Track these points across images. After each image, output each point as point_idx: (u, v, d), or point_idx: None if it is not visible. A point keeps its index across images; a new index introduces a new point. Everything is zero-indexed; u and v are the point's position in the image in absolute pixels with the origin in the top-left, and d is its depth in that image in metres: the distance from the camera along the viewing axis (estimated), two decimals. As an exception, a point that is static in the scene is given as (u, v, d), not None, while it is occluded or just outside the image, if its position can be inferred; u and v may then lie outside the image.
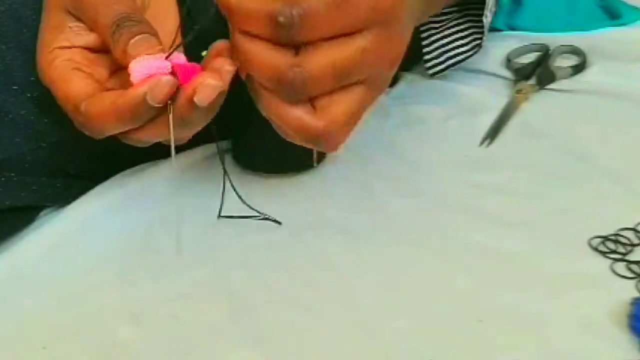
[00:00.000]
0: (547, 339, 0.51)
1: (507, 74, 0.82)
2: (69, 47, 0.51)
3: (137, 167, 0.68)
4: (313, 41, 0.44)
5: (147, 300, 0.56)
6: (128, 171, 0.67)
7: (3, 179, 0.60)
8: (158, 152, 0.69)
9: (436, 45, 0.77)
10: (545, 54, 0.84)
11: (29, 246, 0.60)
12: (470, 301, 0.54)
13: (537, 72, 0.81)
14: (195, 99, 0.46)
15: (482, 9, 0.73)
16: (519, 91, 0.78)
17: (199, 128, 0.50)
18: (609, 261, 0.57)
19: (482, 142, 0.72)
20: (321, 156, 0.69)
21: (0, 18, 0.61)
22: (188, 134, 0.51)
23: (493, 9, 0.76)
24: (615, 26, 0.88)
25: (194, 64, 0.47)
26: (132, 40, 0.47)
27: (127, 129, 0.48)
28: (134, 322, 0.54)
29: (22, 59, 0.60)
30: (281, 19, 0.43)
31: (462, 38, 0.77)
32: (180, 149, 0.69)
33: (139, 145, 0.51)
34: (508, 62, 0.83)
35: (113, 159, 0.66)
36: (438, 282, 0.56)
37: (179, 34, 0.51)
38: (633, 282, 0.55)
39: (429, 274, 0.57)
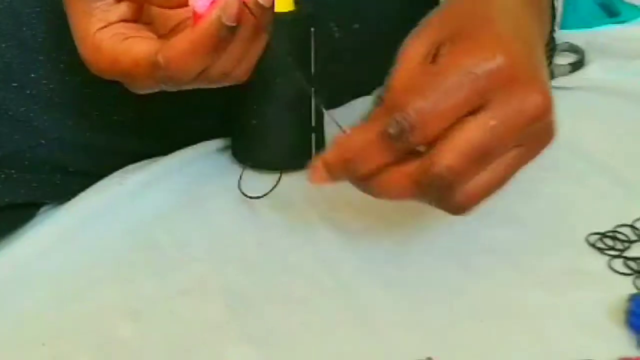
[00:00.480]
0: (544, 335, 0.51)
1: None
2: (107, 26, 0.50)
3: (137, 164, 0.68)
4: (434, 137, 0.43)
5: (146, 297, 0.56)
6: (127, 168, 0.67)
7: (2, 175, 0.60)
8: (157, 150, 0.69)
9: None
10: (544, 51, 0.84)
11: (29, 243, 0.60)
12: (467, 298, 0.54)
13: (535, 70, 0.81)
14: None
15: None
16: (517, 88, 0.78)
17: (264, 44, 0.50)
18: (607, 258, 0.57)
19: (480, 140, 0.72)
20: (320, 154, 0.69)
21: (-1, 15, 0.61)
22: (260, 49, 0.50)
23: None
24: (614, 24, 0.88)
25: None
26: None
27: (210, 62, 0.47)
28: (134, 319, 0.54)
29: (21, 56, 0.60)
30: (391, 130, 0.42)
31: None
32: (180, 146, 0.70)
33: (215, 84, 0.50)
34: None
35: (113, 156, 0.66)
36: (436, 280, 0.56)
37: None
38: (630, 278, 0.55)
39: (427, 272, 0.57)
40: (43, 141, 0.62)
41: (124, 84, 0.51)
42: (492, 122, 0.43)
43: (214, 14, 0.45)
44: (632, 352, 0.49)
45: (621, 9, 0.90)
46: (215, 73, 0.49)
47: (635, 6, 0.90)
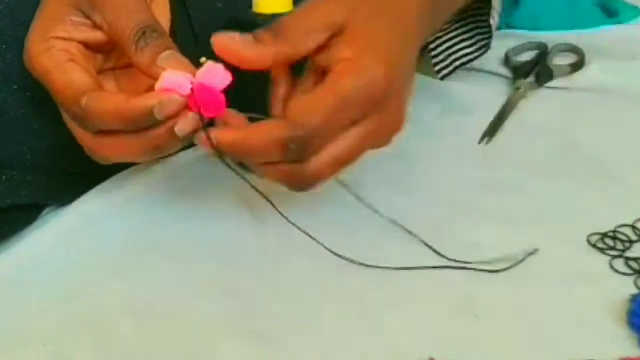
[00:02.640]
0: (545, 335, 0.51)
1: (506, 72, 0.82)
2: (65, 39, 0.51)
3: (138, 166, 0.68)
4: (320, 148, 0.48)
5: (147, 297, 0.56)
6: (129, 170, 0.67)
7: (4, 177, 0.60)
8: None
9: (442, 47, 0.77)
10: (544, 52, 0.84)
11: (30, 245, 0.60)
12: (468, 298, 0.54)
13: (535, 70, 0.81)
14: (176, 129, 0.48)
15: (486, 9, 0.73)
16: (517, 89, 0.79)
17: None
18: (608, 258, 0.57)
19: (480, 140, 0.73)
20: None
21: (-2, 18, 0.61)
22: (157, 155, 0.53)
23: (499, 10, 0.76)
24: (613, 24, 0.88)
25: (218, 92, 0.49)
26: (163, 55, 0.48)
27: (123, 129, 0.49)
28: (135, 319, 0.54)
29: (21, 58, 0.60)
30: (292, 145, 0.47)
31: (467, 39, 0.77)
32: (180, 148, 0.69)
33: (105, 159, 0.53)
34: (506, 60, 0.83)
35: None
36: (436, 279, 0.56)
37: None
38: (632, 278, 0.55)
39: (427, 271, 0.57)
40: (44, 143, 0.62)
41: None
42: (360, 137, 0.50)
43: (151, 103, 0.47)
44: (634, 352, 0.49)
45: (620, 10, 0.90)
46: (100, 150, 0.52)
47: (635, 6, 0.90)
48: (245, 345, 0.52)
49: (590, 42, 0.84)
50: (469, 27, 0.78)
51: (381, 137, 0.52)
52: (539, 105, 0.77)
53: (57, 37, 0.51)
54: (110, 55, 0.54)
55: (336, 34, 0.49)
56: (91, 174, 0.66)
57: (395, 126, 0.52)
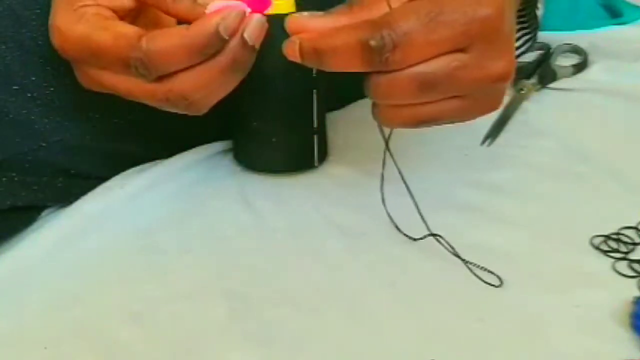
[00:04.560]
0: (548, 338, 0.51)
1: (509, 72, 0.82)
2: (93, 5, 0.50)
3: (138, 167, 0.68)
4: (410, 65, 0.44)
5: (148, 300, 0.56)
6: (129, 171, 0.67)
7: (4, 178, 0.60)
8: (159, 153, 0.69)
9: None
10: (547, 52, 0.84)
11: (30, 246, 0.60)
12: (470, 300, 0.54)
13: (538, 71, 0.81)
14: (245, 35, 0.47)
15: (530, 4, 0.72)
16: (520, 90, 0.79)
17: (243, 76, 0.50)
18: (611, 260, 0.57)
19: (483, 141, 0.72)
20: (321, 156, 0.69)
21: (-1, 18, 0.61)
22: (227, 89, 0.51)
23: (544, 1, 0.75)
24: (617, 25, 0.88)
25: None
26: None
27: (190, 64, 0.48)
28: (136, 321, 0.54)
29: (22, 59, 0.60)
30: (372, 42, 0.42)
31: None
32: (181, 149, 0.69)
33: (172, 107, 0.51)
34: (509, 61, 0.83)
35: (114, 159, 0.66)
36: (438, 281, 0.56)
37: None
38: (635, 280, 0.55)
39: (429, 273, 0.57)
40: (44, 144, 0.62)
41: (75, 67, 0.52)
42: (455, 64, 0.44)
43: (214, 21, 0.46)
44: (637, 354, 0.48)
45: (624, 10, 0.90)
46: (178, 91, 0.49)
47: (638, 7, 0.90)
48: (246, 349, 0.51)
49: (594, 43, 0.84)
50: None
51: (480, 80, 0.45)
52: (542, 106, 0.77)
53: (86, 5, 0.50)
54: (137, 23, 0.53)
55: None
56: (91, 176, 0.66)
57: (498, 73, 0.45)
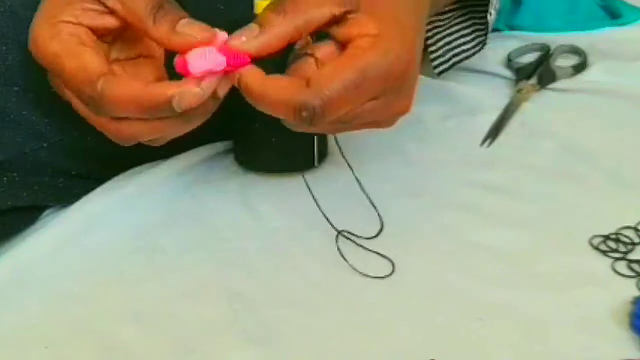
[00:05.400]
0: (547, 338, 0.51)
1: (508, 74, 0.82)
2: (74, 24, 0.50)
3: (139, 168, 0.68)
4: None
5: (148, 300, 0.56)
6: (130, 172, 0.67)
7: (5, 179, 0.60)
8: (160, 154, 0.69)
9: (441, 44, 0.77)
10: (546, 54, 0.84)
11: (32, 246, 0.60)
12: (470, 300, 0.54)
13: (538, 72, 0.81)
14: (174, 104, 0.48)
15: (485, 6, 0.73)
16: (520, 91, 0.79)
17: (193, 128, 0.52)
18: (610, 260, 0.57)
19: (483, 142, 0.73)
20: (322, 156, 0.69)
21: (0, 19, 0.61)
22: (193, 127, 0.52)
23: (497, 7, 0.76)
24: (616, 26, 0.88)
25: (244, 51, 0.48)
26: (183, 21, 0.48)
27: (138, 117, 0.49)
28: (136, 321, 0.54)
29: (22, 60, 0.60)
30: (304, 114, 0.47)
31: (466, 36, 0.77)
32: (182, 149, 0.70)
33: (125, 141, 0.52)
34: (509, 62, 0.83)
35: (115, 160, 0.66)
36: (438, 281, 0.56)
37: None
38: (634, 281, 0.55)
39: (429, 273, 0.57)
40: (45, 145, 0.62)
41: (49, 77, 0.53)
42: (375, 107, 0.50)
43: (170, 93, 0.47)
44: (636, 354, 0.48)
45: (623, 11, 0.90)
46: (128, 133, 0.51)
47: (637, 8, 0.90)
48: (246, 349, 0.51)
49: (593, 44, 0.84)
50: (468, 23, 0.78)
51: (389, 116, 0.53)
52: (542, 107, 0.77)
53: (66, 22, 0.50)
54: (114, 46, 0.53)
55: (353, 9, 0.49)
56: (92, 176, 0.66)
57: (404, 108, 0.52)
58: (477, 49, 0.77)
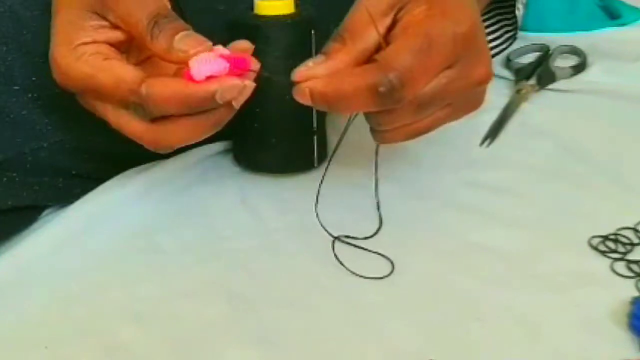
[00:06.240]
0: (546, 338, 0.51)
1: (508, 74, 0.82)
2: (91, 43, 0.52)
3: (139, 168, 0.68)
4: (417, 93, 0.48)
5: (148, 300, 0.56)
6: (130, 171, 0.67)
7: (5, 179, 0.60)
8: (159, 154, 0.69)
9: None
10: (546, 54, 0.84)
11: (31, 246, 0.60)
12: (470, 300, 0.54)
13: (537, 72, 0.81)
14: (234, 103, 0.50)
15: (511, 3, 0.73)
16: (519, 91, 0.79)
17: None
18: (609, 260, 0.57)
19: (482, 142, 0.73)
20: (321, 156, 0.69)
21: (0, 19, 0.61)
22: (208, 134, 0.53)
23: (524, 1, 0.76)
24: (615, 26, 0.88)
25: (243, 55, 0.50)
26: (178, 36, 0.49)
27: (180, 113, 0.50)
28: (136, 321, 0.54)
29: (22, 59, 0.60)
30: (382, 88, 0.46)
31: (494, 31, 0.77)
32: (181, 149, 0.69)
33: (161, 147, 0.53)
34: (508, 62, 0.84)
35: (115, 159, 0.66)
36: (438, 281, 0.56)
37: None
38: (633, 281, 0.55)
39: (428, 273, 0.57)
40: (45, 144, 0.62)
41: (77, 97, 0.54)
42: (448, 78, 0.49)
43: (213, 87, 0.48)
44: (634, 354, 0.48)
45: (622, 12, 0.90)
46: (165, 139, 0.52)
47: (637, 8, 0.90)
48: (246, 348, 0.51)
49: (593, 44, 0.84)
50: (495, 19, 0.78)
51: (464, 88, 0.51)
52: (541, 108, 0.77)
53: (85, 43, 0.51)
54: (131, 51, 0.55)
55: (402, 6, 0.49)
56: (91, 176, 0.66)
57: (483, 75, 0.51)
58: (507, 44, 0.77)
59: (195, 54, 0.49)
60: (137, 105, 0.50)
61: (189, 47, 0.49)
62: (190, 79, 0.49)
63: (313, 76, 0.49)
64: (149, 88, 0.49)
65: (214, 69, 0.49)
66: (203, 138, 0.53)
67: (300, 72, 0.50)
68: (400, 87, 0.46)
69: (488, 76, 0.51)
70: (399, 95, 0.47)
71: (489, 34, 0.78)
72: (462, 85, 0.50)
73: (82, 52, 0.51)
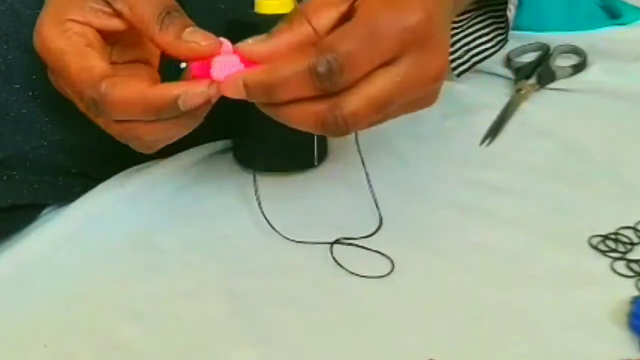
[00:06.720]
0: (546, 337, 0.51)
1: (508, 73, 0.82)
2: (82, 23, 0.51)
3: (139, 166, 0.68)
4: (356, 81, 0.46)
5: (148, 298, 0.56)
6: (130, 170, 0.67)
7: (5, 177, 0.60)
8: (159, 152, 0.69)
9: (459, 45, 0.77)
10: (546, 53, 0.84)
11: (31, 244, 0.60)
12: (469, 299, 0.54)
13: (537, 72, 0.81)
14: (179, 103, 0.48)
15: (503, 3, 0.73)
16: (519, 90, 0.79)
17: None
18: (609, 260, 0.57)
19: (482, 142, 0.73)
20: (321, 156, 0.69)
21: (0, 17, 0.61)
22: (189, 130, 0.52)
23: (516, 2, 0.76)
24: (615, 25, 0.88)
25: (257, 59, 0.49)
26: (188, 30, 0.49)
27: (142, 119, 0.49)
28: (136, 320, 0.54)
29: (22, 58, 0.60)
30: (320, 68, 0.45)
31: (485, 35, 0.77)
32: (182, 148, 0.70)
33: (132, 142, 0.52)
34: (508, 61, 0.84)
35: (115, 158, 0.66)
36: (437, 280, 0.56)
37: None
38: (633, 280, 0.55)
39: (428, 272, 0.57)
40: (45, 143, 0.62)
41: (49, 74, 0.53)
42: (399, 79, 0.47)
43: (176, 92, 0.47)
44: (634, 354, 0.49)
45: (623, 11, 0.90)
46: (132, 133, 0.51)
47: (637, 8, 0.90)
48: (246, 348, 0.51)
49: (593, 43, 0.84)
50: (487, 22, 0.77)
51: (421, 84, 0.49)
52: (541, 107, 0.77)
53: (74, 20, 0.51)
54: (114, 48, 0.54)
55: None
56: (91, 175, 0.66)
57: (437, 69, 0.49)
58: (498, 47, 0.77)
59: (207, 47, 0.48)
60: (91, 101, 0.49)
61: (199, 40, 0.48)
62: (196, 76, 0.48)
63: (251, 53, 0.48)
64: (108, 86, 0.48)
65: (233, 70, 0.48)
66: (179, 135, 0.52)
67: (243, 49, 0.48)
68: (338, 71, 0.45)
69: (442, 69, 0.49)
70: (337, 79, 0.45)
71: (480, 37, 0.78)
72: (417, 80, 0.48)
73: (68, 28, 0.50)
